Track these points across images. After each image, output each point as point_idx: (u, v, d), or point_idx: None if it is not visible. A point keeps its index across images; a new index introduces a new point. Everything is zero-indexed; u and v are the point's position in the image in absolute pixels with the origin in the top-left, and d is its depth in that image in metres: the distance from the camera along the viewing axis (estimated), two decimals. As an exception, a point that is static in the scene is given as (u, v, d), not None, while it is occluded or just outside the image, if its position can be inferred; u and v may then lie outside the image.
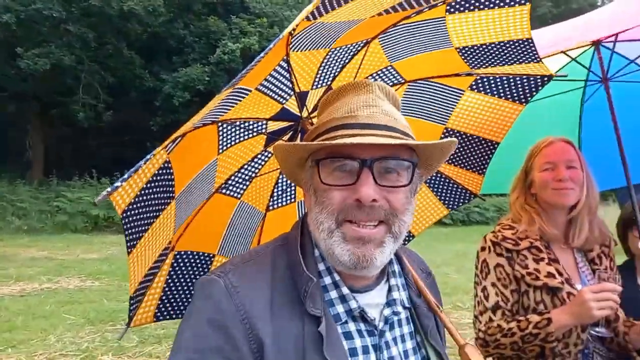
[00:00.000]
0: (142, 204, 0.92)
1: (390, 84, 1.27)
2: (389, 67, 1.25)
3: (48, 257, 6.09)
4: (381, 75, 1.26)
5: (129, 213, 0.90)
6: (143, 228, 0.95)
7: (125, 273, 4.01)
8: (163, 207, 0.99)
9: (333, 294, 0.67)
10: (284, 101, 1.14)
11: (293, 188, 1.39)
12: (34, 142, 13.00)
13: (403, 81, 1.30)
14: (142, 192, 0.91)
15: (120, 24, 11.62)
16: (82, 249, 6.97)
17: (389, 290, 0.71)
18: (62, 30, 10.92)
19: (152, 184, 0.92)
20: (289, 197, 1.40)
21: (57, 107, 12.79)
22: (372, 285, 0.70)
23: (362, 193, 0.62)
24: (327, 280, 0.67)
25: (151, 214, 0.96)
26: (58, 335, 3.02)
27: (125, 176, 0.84)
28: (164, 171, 0.95)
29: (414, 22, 1.12)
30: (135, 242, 0.96)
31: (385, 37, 1.16)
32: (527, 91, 1.33)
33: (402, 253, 0.77)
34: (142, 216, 0.93)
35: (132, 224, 0.92)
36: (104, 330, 3.17)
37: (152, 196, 0.94)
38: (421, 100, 1.36)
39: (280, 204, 1.39)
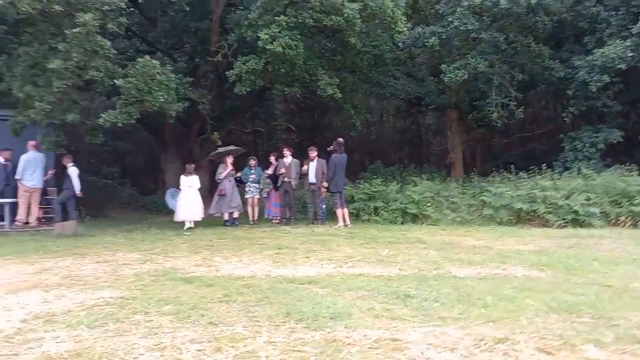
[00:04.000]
0: None
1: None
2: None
3: (486, 246, 6.76)
4: None
5: None
6: None
7: (568, 266, 3.94)
8: None
9: None
10: None
11: None
12: (454, 146, 14.71)
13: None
14: None
15: (527, 20, 11.65)
16: (513, 240, 7.39)
17: None
18: (475, 41, 11.96)
19: None
20: None
21: (473, 112, 14.07)
22: None
23: None
24: None
25: None
26: (530, 319, 3.27)
27: None
28: None
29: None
30: None
31: None
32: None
33: None
34: None
35: None
36: (572, 321, 3.22)
37: None
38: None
39: None
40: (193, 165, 10.90)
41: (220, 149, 11.09)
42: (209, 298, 3.98)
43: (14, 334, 3.07)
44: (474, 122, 14.85)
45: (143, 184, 19.69)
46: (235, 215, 10.61)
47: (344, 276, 4.83)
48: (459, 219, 9.75)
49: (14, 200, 9.90)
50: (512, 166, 11.42)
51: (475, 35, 11.61)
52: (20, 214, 9.89)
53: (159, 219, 12.56)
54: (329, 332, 3.02)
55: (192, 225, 10.03)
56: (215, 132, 13.39)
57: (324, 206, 10.47)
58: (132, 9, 12.43)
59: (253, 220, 10.90)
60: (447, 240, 7.43)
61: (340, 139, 10.31)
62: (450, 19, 11.54)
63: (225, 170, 10.51)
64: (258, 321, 3.29)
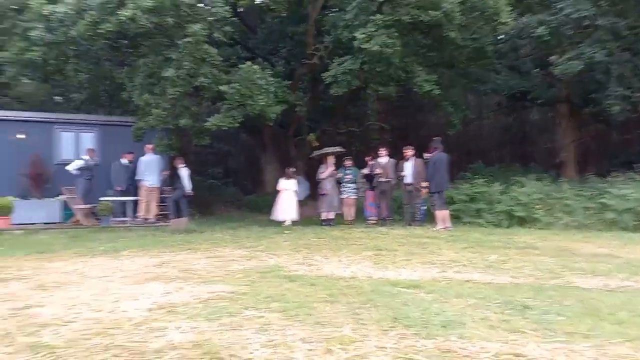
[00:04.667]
0: None
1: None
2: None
3: (610, 254, 6.08)
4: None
5: None
6: None
7: None
8: None
9: None
10: None
11: None
12: (564, 143, 13.53)
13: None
14: None
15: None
16: (642, 248, 6.59)
17: None
18: (590, 28, 10.88)
19: None
20: None
21: (587, 106, 12.82)
22: None
23: None
24: None
25: None
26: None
27: None
28: None
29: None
30: None
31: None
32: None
33: None
34: None
35: None
36: None
37: None
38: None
39: None
40: (293, 169, 11.24)
41: (325, 149, 11.31)
42: (314, 297, 4.02)
43: (142, 322, 3.33)
44: (587, 117, 13.53)
45: (244, 184, 20.72)
46: (331, 216, 10.72)
47: (450, 281, 4.62)
48: (575, 224, 8.91)
49: (136, 198, 10.94)
50: (634, 165, 10.19)
51: (590, 22, 10.55)
52: (141, 211, 10.90)
53: (260, 217, 13.09)
54: (442, 342, 2.87)
55: (292, 224, 10.34)
56: (311, 134, 13.66)
57: (423, 208, 10.17)
58: (234, 18, 13.11)
59: (349, 221, 10.93)
60: (562, 247, 6.82)
61: (438, 138, 9.96)
62: (560, 6, 10.61)
63: (327, 170, 10.70)
64: (365, 324, 3.24)
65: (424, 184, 9.63)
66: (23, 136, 11.11)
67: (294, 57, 15.33)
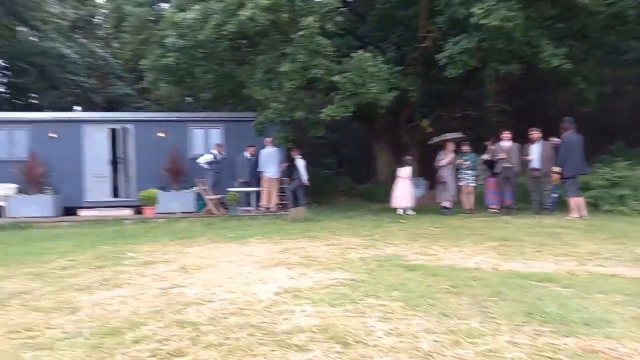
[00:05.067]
0: None
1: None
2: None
3: None
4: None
5: None
6: None
7: None
8: None
9: None
10: None
11: None
12: None
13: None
14: None
15: None
16: None
17: None
18: None
19: None
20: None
21: None
22: None
23: None
24: None
25: None
26: None
27: None
28: None
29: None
30: None
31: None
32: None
33: None
34: None
35: None
36: None
37: None
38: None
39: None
40: (409, 157, 11.15)
41: (445, 135, 10.98)
42: (436, 288, 3.91)
43: (271, 305, 3.54)
44: None
45: (356, 173, 20.92)
46: (449, 205, 10.36)
47: (591, 276, 4.17)
48: None
49: (258, 189, 11.67)
50: None
51: None
52: (263, 201, 11.60)
53: (374, 206, 13.12)
54: (585, 340, 2.61)
55: (411, 213, 10.26)
56: (424, 119, 13.28)
57: (554, 195, 9.31)
58: (344, 8, 13.19)
59: (468, 209, 10.45)
60: None
61: (569, 117, 9.01)
62: None
63: (446, 157, 10.40)
64: (495, 318, 3.06)
65: (556, 169, 8.79)
66: (163, 134, 12.46)
67: (405, 41, 14.96)
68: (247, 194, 11.63)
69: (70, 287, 4.31)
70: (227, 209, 11.28)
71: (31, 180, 11.53)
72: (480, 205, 10.75)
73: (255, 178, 11.81)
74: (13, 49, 18.69)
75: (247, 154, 11.87)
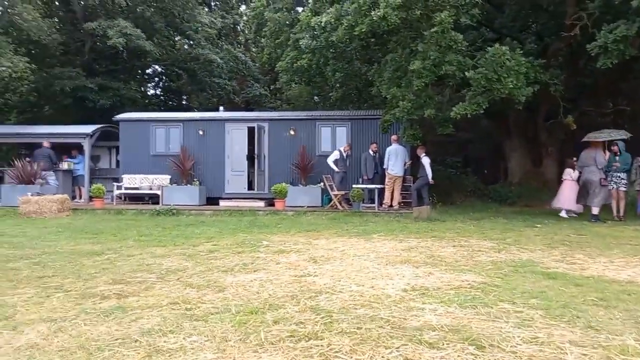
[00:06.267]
0: None
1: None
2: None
3: None
4: None
5: None
6: None
7: None
8: None
9: None
10: None
11: None
12: None
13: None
14: None
15: None
16: None
17: None
18: None
19: None
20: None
21: None
22: None
23: None
24: None
25: None
26: None
27: None
28: None
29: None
30: None
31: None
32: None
33: None
34: None
35: None
36: None
37: None
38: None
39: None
40: (574, 159, 10.42)
41: (612, 133, 9.90)
42: (581, 299, 3.58)
43: (399, 301, 3.57)
44: None
45: (485, 173, 19.79)
46: (596, 211, 9.33)
47: None
48: None
49: (381, 186, 11.73)
50: None
51: None
52: (386, 198, 11.62)
53: (504, 208, 12.33)
54: None
55: (575, 215, 10.02)
56: (568, 116, 12.06)
57: None
58: (479, 0, 12.56)
59: (619, 216, 9.28)
60: None
61: None
62: None
63: (600, 157, 9.51)
64: (655, 338, 2.72)
65: None
66: (293, 132, 13.17)
67: (548, 31, 13.73)
68: (371, 190, 11.75)
69: (217, 268, 4.82)
70: (351, 205, 11.52)
71: (182, 172, 13.07)
72: (632, 212, 9.48)
73: (380, 175, 11.87)
74: (171, 57, 21.28)
75: (370, 152, 11.99)
